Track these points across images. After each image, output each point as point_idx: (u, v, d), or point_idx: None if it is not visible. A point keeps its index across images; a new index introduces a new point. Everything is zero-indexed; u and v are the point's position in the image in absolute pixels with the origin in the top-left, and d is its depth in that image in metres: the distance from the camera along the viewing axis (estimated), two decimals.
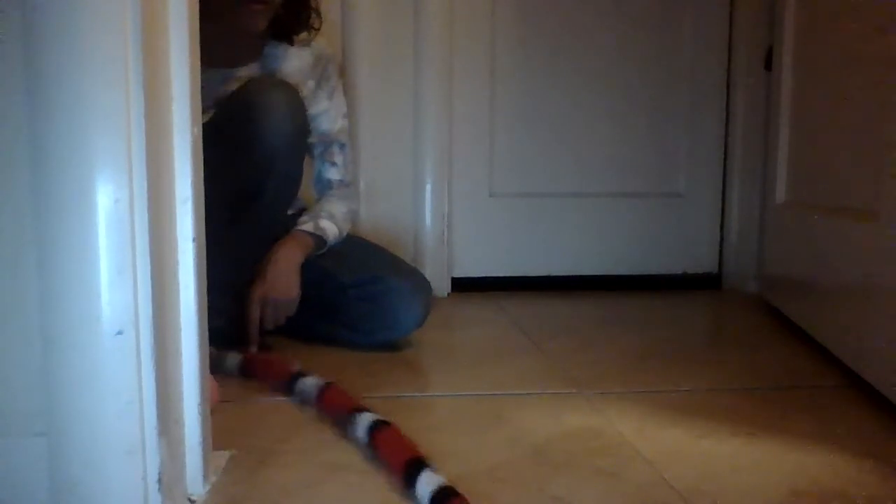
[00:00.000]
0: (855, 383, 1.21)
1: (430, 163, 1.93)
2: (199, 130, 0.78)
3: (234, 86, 1.41)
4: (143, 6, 0.66)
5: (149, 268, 0.67)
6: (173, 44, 0.73)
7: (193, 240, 0.76)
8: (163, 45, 0.72)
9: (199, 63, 0.78)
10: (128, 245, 0.66)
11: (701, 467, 0.91)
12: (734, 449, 0.97)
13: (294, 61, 1.49)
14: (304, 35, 1.48)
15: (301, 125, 1.37)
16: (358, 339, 1.41)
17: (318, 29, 1.50)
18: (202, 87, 1.34)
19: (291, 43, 1.48)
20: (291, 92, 1.34)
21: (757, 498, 0.84)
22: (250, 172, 1.32)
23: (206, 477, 0.81)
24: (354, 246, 1.51)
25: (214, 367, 1.03)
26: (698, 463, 0.92)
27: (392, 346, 1.41)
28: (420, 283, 1.44)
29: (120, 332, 0.66)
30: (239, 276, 1.37)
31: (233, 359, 1.23)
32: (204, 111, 1.38)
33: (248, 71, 1.45)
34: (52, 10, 0.64)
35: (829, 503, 0.83)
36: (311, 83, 1.49)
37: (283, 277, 1.37)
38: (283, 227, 1.42)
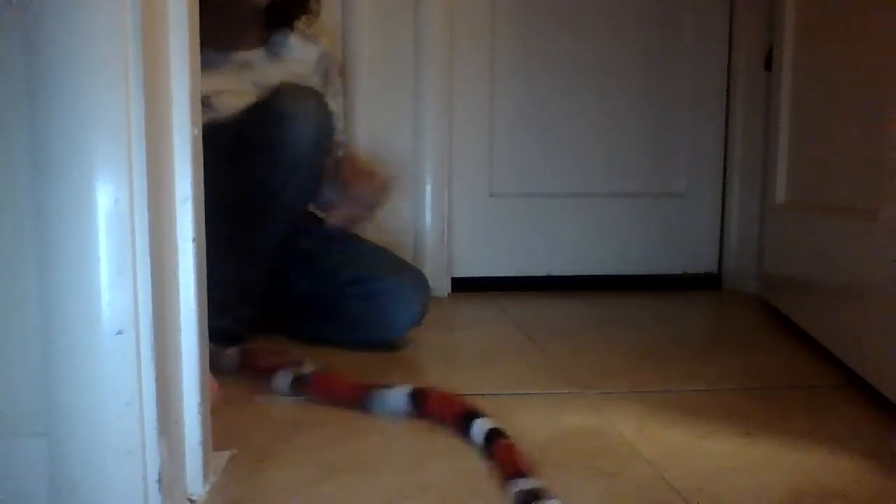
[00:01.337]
0: (855, 383, 1.21)
1: (430, 163, 1.93)
2: (199, 130, 0.78)
3: (245, 72, 1.46)
4: (143, 6, 0.66)
5: (149, 268, 0.67)
6: (173, 44, 0.73)
7: (193, 240, 0.76)
8: (163, 45, 0.72)
9: (199, 63, 0.78)
10: (128, 245, 0.66)
11: (701, 467, 0.91)
12: (734, 449, 0.97)
13: (301, 52, 1.53)
14: (304, 22, 1.53)
15: (329, 134, 1.38)
16: (355, 339, 1.41)
17: (318, 14, 1.55)
18: (210, 69, 1.38)
19: (292, 28, 1.52)
20: (322, 100, 1.36)
21: (757, 498, 0.84)
22: (275, 176, 1.33)
23: (206, 477, 0.81)
24: (354, 245, 1.51)
25: (213, 364, 1.04)
26: (698, 463, 0.92)
27: (391, 346, 1.41)
28: (418, 282, 1.44)
29: (120, 332, 0.66)
30: (249, 275, 1.37)
31: (230, 357, 1.24)
32: (217, 95, 1.41)
33: (254, 55, 1.49)
34: (52, 10, 0.64)
35: (830, 503, 0.83)
36: (315, 78, 1.53)
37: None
38: (294, 227, 1.43)
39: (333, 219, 1.47)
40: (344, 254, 1.46)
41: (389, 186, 1.51)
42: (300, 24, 1.53)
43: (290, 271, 1.45)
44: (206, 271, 0.80)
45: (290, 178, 1.33)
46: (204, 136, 1.35)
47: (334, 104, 1.54)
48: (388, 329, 1.41)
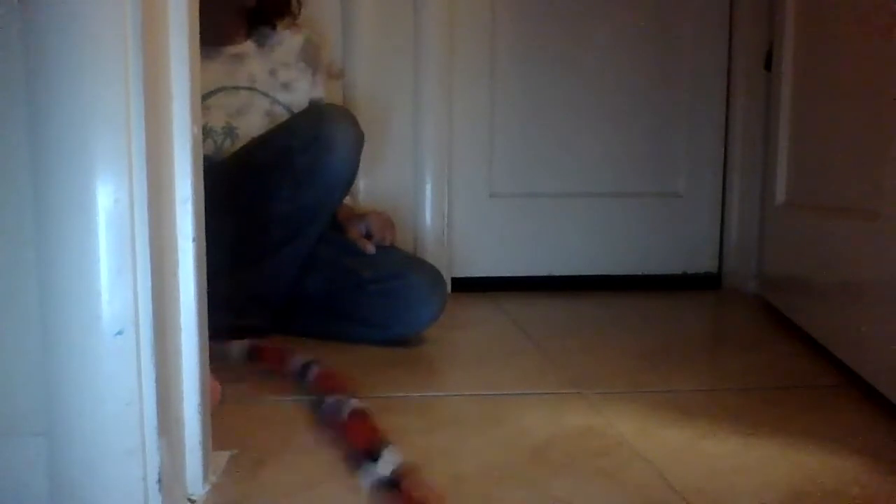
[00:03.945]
0: (855, 383, 1.21)
1: (430, 163, 1.93)
2: (199, 130, 0.78)
3: (238, 65, 1.50)
4: (143, 6, 0.66)
5: (149, 268, 0.67)
6: (173, 43, 0.73)
7: (193, 240, 0.76)
8: (163, 44, 0.72)
9: (199, 63, 0.78)
10: (128, 245, 0.66)
11: (701, 467, 0.91)
12: (734, 449, 0.97)
13: (286, 41, 1.59)
14: (284, 23, 1.59)
15: (360, 151, 1.41)
16: (373, 335, 1.42)
17: (298, 14, 1.61)
18: (206, 62, 1.39)
19: (274, 27, 1.58)
20: (355, 120, 1.39)
21: (757, 498, 0.84)
22: (317, 199, 1.38)
23: (206, 477, 0.81)
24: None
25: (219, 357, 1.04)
26: (698, 463, 0.92)
27: (402, 343, 1.41)
28: (437, 279, 1.46)
29: (120, 332, 0.66)
30: (276, 287, 1.42)
31: (239, 347, 1.25)
32: (210, 95, 1.46)
33: (244, 48, 1.54)
34: (52, 9, 0.64)
35: (830, 503, 0.83)
36: (301, 64, 1.58)
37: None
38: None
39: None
40: (360, 252, 1.47)
41: (389, 225, 1.55)
42: (281, 24, 1.59)
43: (307, 270, 1.46)
44: (206, 271, 0.80)
45: (331, 199, 1.40)
46: (235, 159, 1.37)
47: (326, 90, 1.63)
48: (409, 324, 1.42)
